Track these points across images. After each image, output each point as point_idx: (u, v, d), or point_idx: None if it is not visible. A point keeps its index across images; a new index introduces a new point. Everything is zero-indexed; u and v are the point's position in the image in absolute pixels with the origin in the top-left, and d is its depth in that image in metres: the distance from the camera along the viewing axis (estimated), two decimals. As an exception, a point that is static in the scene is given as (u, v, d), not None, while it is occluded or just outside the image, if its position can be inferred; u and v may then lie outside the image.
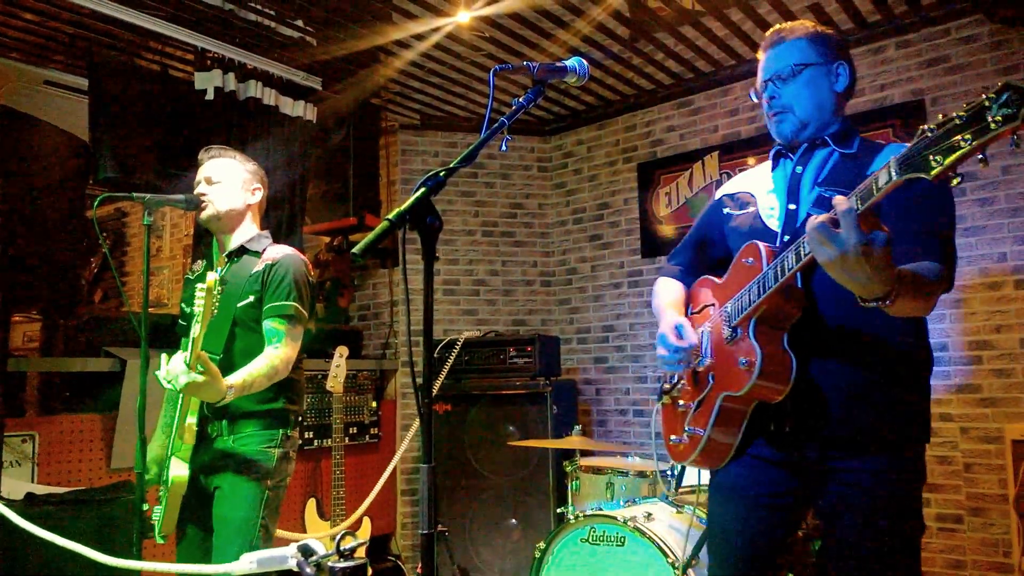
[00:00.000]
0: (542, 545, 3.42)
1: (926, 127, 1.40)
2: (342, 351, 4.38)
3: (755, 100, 2.13)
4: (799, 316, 1.84)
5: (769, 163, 2.17)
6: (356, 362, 5.09)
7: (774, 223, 2.02)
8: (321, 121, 4.87)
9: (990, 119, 1.30)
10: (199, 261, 3.00)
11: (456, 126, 5.68)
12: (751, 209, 2.11)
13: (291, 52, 4.54)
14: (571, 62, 1.88)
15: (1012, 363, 3.94)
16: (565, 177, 5.85)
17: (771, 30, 2.11)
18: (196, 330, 2.25)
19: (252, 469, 2.64)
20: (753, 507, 1.99)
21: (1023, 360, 3.92)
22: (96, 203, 2.64)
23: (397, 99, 5.29)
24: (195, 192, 2.78)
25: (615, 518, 3.21)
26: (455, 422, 4.91)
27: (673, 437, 2.15)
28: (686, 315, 2.20)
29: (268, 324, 2.66)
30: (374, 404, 5.16)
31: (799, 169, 2.03)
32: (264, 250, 2.80)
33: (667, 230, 5.27)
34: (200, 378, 2.26)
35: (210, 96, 4.20)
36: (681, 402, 2.13)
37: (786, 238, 1.95)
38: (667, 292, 2.30)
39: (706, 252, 2.29)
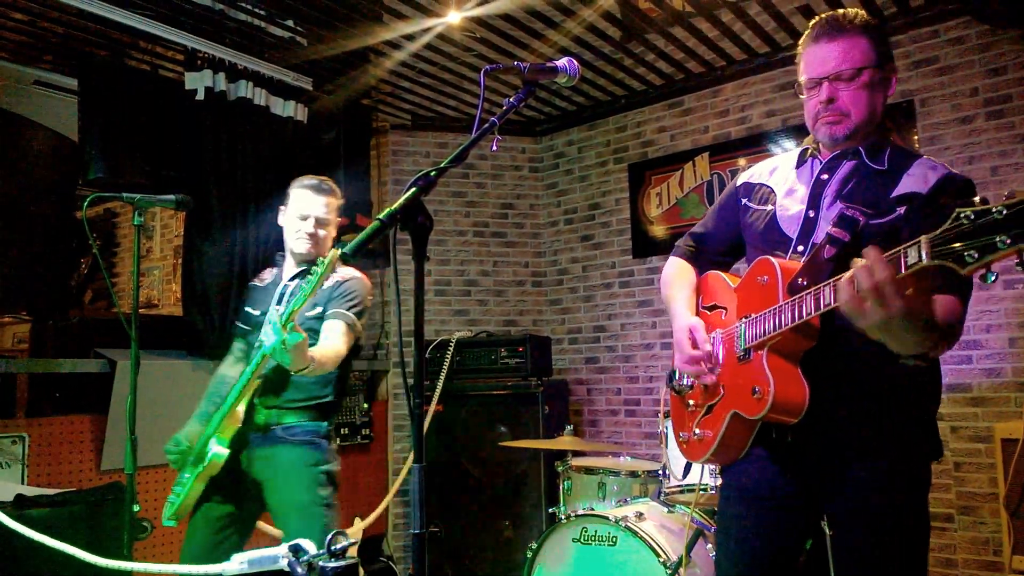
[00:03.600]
0: (534, 545, 3.42)
1: (963, 212, 1.31)
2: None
3: (800, 95, 1.98)
4: (814, 345, 1.80)
5: (794, 158, 2.10)
6: (347, 363, 5.08)
7: (790, 228, 1.97)
8: (312, 121, 4.86)
9: None
10: (270, 269, 3.11)
11: (447, 126, 5.68)
12: (768, 207, 2.06)
13: (281, 52, 4.53)
14: (562, 62, 1.88)
15: (1001, 363, 3.96)
16: (556, 177, 5.86)
17: (826, 16, 1.94)
18: (295, 304, 2.37)
19: (305, 458, 2.74)
20: (769, 510, 1.98)
21: (1012, 360, 3.94)
22: (86, 203, 2.64)
23: (388, 99, 5.28)
24: (297, 229, 2.90)
25: (606, 518, 3.21)
26: (447, 422, 4.91)
27: (683, 434, 2.14)
28: (696, 309, 2.18)
29: (329, 323, 2.78)
30: (365, 405, 5.15)
31: (824, 176, 1.96)
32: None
33: (658, 230, 5.28)
34: (301, 337, 2.36)
35: (200, 96, 4.18)
36: (690, 401, 2.12)
37: (800, 248, 1.90)
38: (680, 280, 2.25)
39: (720, 238, 2.26)
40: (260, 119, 4.48)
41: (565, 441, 3.89)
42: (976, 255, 1.29)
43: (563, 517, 3.41)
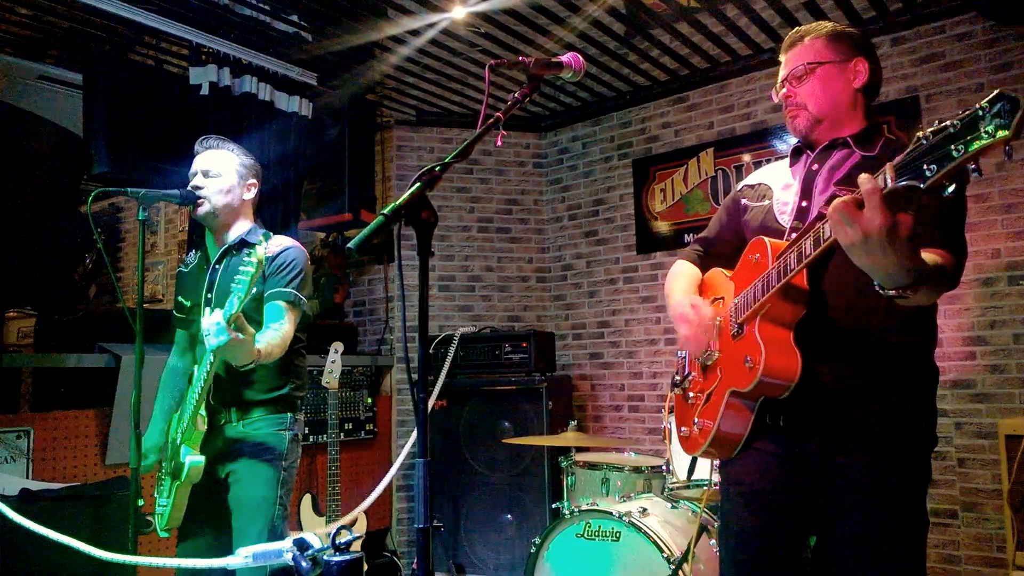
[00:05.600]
0: (537, 540, 3.43)
1: (922, 134, 1.40)
2: (337, 347, 4.38)
3: (775, 100, 2.15)
4: (805, 313, 1.85)
5: (789, 158, 2.19)
6: (351, 358, 5.09)
7: (784, 219, 2.03)
8: (316, 117, 4.86)
9: (983, 129, 1.29)
10: (192, 252, 2.98)
11: (451, 122, 5.68)
12: (766, 203, 2.13)
13: (286, 47, 4.53)
14: (566, 58, 1.87)
15: (1006, 359, 3.96)
16: (560, 173, 5.85)
17: (791, 32, 2.15)
18: (235, 304, 2.26)
19: (266, 452, 2.69)
20: (768, 506, 1.99)
21: (1017, 356, 3.93)
22: (90, 198, 2.64)
23: (392, 95, 5.28)
24: (190, 184, 2.76)
25: (610, 513, 3.21)
26: (451, 418, 4.91)
27: (684, 429, 2.17)
28: None
29: (269, 306, 2.68)
30: (369, 400, 5.16)
31: (815, 167, 2.04)
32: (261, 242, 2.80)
33: (662, 226, 5.27)
34: (242, 336, 2.28)
35: (205, 91, 4.18)
36: (691, 394, 2.16)
37: (793, 235, 1.94)
38: (682, 276, 2.32)
39: (725, 239, 2.30)
40: (265, 114, 4.48)
41: (569, 437, 3.89)
42: (935, 167, 1.35)
43: (567, 512, 3.41)
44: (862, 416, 1.86)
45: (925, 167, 1.37)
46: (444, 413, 4.92)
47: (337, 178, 5.18)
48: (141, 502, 2.57)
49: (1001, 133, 1.27)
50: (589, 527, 3.30)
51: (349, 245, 1.47)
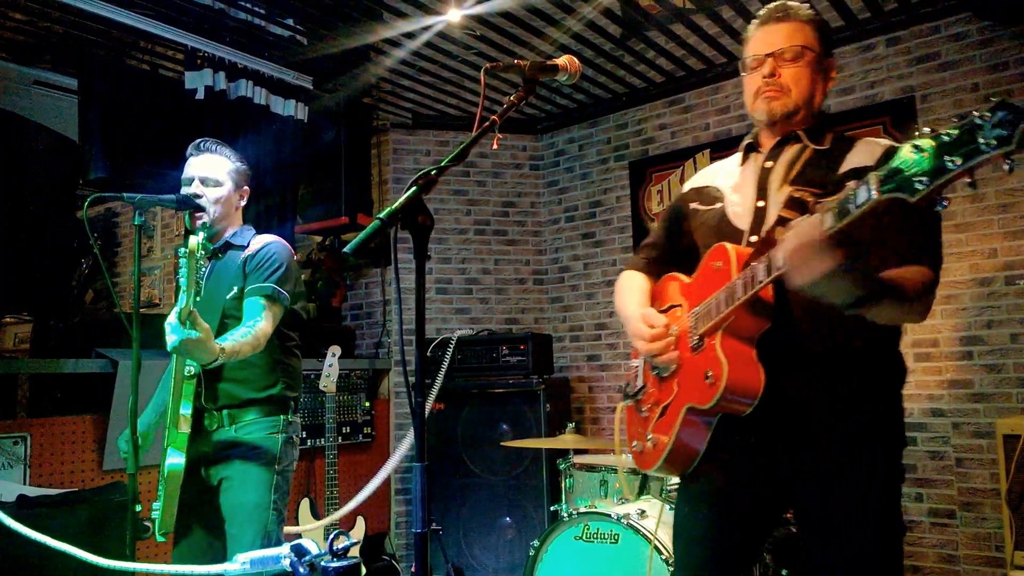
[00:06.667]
0: (536, 543, 3.42)
1: (909, 144, 1.30)
2: (335, 350, 4.37)
3: (743, 73, 2.02)
4: (768, 327, 1.75)
5: (738, 156, 2.09)
6: (349, 361, 5.09)
7: (741, 221, 1.94)
8: (312, 120, 4.86)
9: (982, 141, 1.19)
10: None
11: (448, 125, 5.68)
12: (718, 205, 2.03)
13: (282, 51, 4.53)
14: (562, 60, 1.87)
15: (1003, 359, 3.96)
16: (557, 175, 5.85)
17: (775, 4, 2.00)
18: (184, 299, 2.23)
19: (259, 455, 2.65)
20: (722, 515, 1.92)
21: (1014, 356, 3.94)
22: (86, 204, 2.63)
23: (388, 98, 5.28)
24: (188, 191, 2.74)
25: (609, 515, 3.21)
26: (448, 421, 4.91)
27: (635, 443, 2.06)
28: None
29: (248, 301, 2.64)
30: (367, 403, 5.15)
31: (769, 164, 1.95)
32: (248, 243, 2.80)
33: (659, 228, 5.27)
34: (195, 334, 2.24)
35: (200, 95, 4.18)
36: (644, 407, 2.04)
37: (753, 238, 1.87)
38: (631, 288, 2.20)
39: (673, 245, 2.20)
40: (260, 118, 4.48)
41: (567, 439, 3.89)
42: (926, 180, 1.24)
43: (565, 515, 3.41)
44: (831, 423, 1.80)
45: (915, 180, 1.26)
46: (442, 416, 4.91)
47: (333, 181, 5.18)
48: (139, 507, 2.57)
49: (1003, 146, 1.17)
50: (588, 529, 3.29)
51: (345, 249, 1.47)
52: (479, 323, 5.59)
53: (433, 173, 1.53)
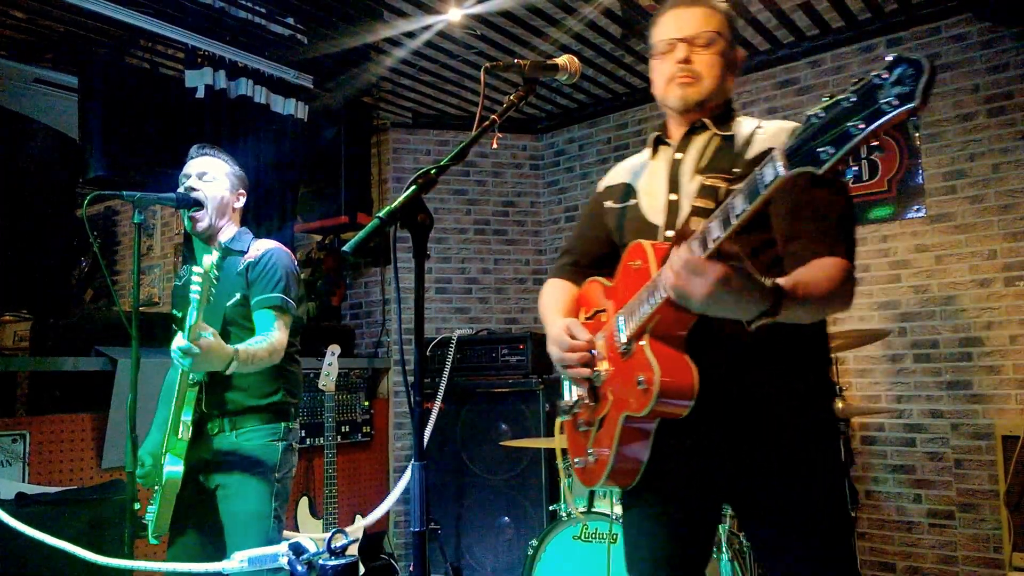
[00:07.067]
0: (535, 543, 3.43)
1: (812, 112, 1.23)
2: (334, 349, 4.37)
3: (652, 57, 1.95)
4: (696, 319, 1.66)
5: (647, 151, 2.04)
6: (348, 360, 5.09)
7: (655, 216, 1.89)
8: (312, 119, 4.86)
9: (883, 100, 1.14)
10: (185, 265, 3.00)
11: (448, 124, 5.68)
12: (631, 201, 1.98)
13: (282, 50, 4.52)
14: (562, 60, 1.87)
15: (1002, 360, 3.96)
16: (557, 175, 5.85)
17: None
18: (194, 317, 2.24)
19: (258, 464, 2.65)
20: (669, 521, 1.89)
21: (1013, 357, 3.93)
22: (86, 202, 2.63)
23: (388, 97, 5.28)
24: (184, 186, 2.76)
25: (608, 515, 3.21)
26: (447, 420, 4.91)
27: (577, 459, 1.98)
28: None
29: (258, 314, 2.66)
30: (366, 403, 5.16)
31: (679, 156, 1.91)
32: (248, 248, 2.80)
33: (659, 228, 5.26)
34: (198, 348, 2.25)
35: (200, 94, 4.18)
36: (582, 421, 1.96)
37: (669, 232, 1.83)
38: (554, 296, 2.16)
39: (593, 248, 2.15)
40: (260, 117, 4.47)
41: (566, 439, 3.88)
42: (831, 149, 1.19)
43: (564, 515, 3.41)
44: (764, 411, 1.77)
45: (819, 150, 1.20)
46: (441, 415, 4.91)
47: (333, 181, 5.18)
48: (138, 506, 2.57)
49: (905, 103, 1.12)
50: (586, 529, 3.30)
51: (344, 248, 1.47)
52: (479, 323, 5.58)
53: (433, 172, 1.53)
